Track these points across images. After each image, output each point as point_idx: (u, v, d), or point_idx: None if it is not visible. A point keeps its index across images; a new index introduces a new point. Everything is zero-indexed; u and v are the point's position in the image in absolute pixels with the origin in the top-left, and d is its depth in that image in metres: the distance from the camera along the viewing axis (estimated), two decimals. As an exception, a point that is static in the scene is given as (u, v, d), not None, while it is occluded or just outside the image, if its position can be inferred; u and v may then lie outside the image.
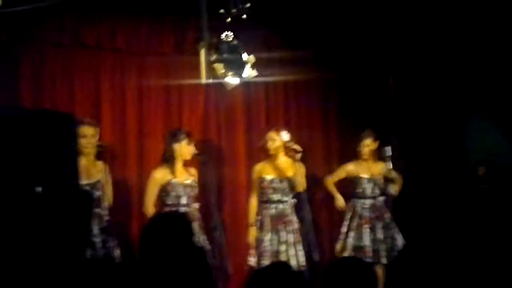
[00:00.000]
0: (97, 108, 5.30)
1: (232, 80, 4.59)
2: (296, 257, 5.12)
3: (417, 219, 5.84)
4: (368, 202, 5.43)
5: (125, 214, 5.28)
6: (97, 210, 4.64)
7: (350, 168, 5.53)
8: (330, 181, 5.56)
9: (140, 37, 5.43)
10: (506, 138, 5.80)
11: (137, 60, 5.48)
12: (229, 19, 4.28)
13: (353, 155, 5.55)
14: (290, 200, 5.23)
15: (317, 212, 5.93)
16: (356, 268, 2.38)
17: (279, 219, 5.17)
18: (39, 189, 3.22)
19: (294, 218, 5.20)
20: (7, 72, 4.97)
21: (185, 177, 4.94)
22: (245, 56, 4.51)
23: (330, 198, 5.92)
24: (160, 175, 4.90)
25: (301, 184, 5.12)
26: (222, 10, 4.40)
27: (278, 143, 5.20)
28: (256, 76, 4.66)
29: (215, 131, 5.77)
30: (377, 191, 5.46)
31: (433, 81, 6.11)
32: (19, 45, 5.02)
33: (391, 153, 5.28)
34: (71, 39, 5.17)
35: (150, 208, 4.89)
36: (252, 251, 5.17)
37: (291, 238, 5.15)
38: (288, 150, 5.19)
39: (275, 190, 5.20)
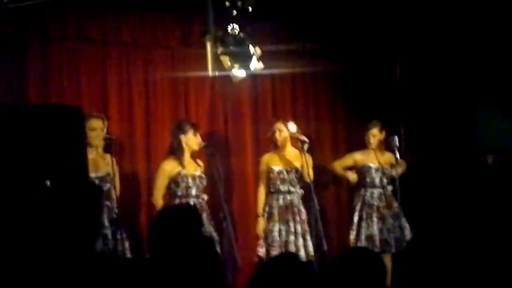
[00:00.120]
0: (104, 102, 5.32)
1: (238, 72, 4.59)
2: (304, 247, 5.14)
3: (426, 208, 5.84)
4: (376, 191, 5.43)
5: (134, 206, 5.31)
6: (107, 202, 4.66)
7: (357, 157, 5.52)
8: (337, 164, 5.55)
9: (146, 30, 5.43)
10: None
11: (143, 53, 5.49)
12: (235, 12, 4.27)
13: (361, 146, 5.54)
14: (298, 190, 5.24)
15: (325, 202, 5.94)
16: (365, 259, 2.38)
17: (287, 210, 5.19)
18: (48, 183, 3.25)
19: (302, 209, 5.22)
20: (13, 67, 4.99)
21: (194, 169, 4.97)
22: (251, 49, 4.50)
23: (337, 186, 5.92)
24: (169, 166, 4.92)
25: (309, 174, 5.12)
26: (228, 3, 4.39)
27: (285, 134, 5.21)
28: (263, 69, 4.66)
29: (222, 123, 5.77)
30: (386, 181, 5.46)
31: (441, 69, 6.09)
32: (25, 40, 5.03)
33: (398, 143, 5.25)
34: (76, 33, 5.18)
35: (159, 200, 4.92)
36: (261, 242, 5.18)
37: (299, 228, 5.16)
38: (295, 141, 5.19)
39: (283, 181, 5.21)
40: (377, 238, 5.33)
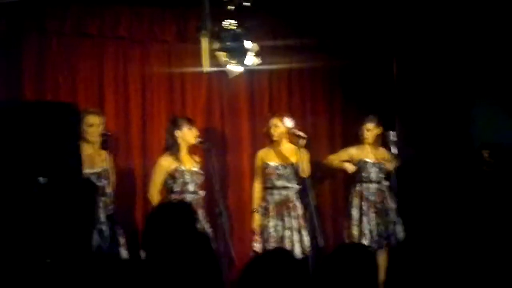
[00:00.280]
0: (100, 97, 5.31)
1: (235, 68, 4.58)
2: (300, 243, 5.14)
3: (422, 203, 5.85)
4: (373, 186, 5.43)
5: (130, 201, 5.31)
6: (103, 198, 4.66)
7: (353, 152, 5.52)
8: (333, 158, 5.55)
9: (143, 25, 5.41)
10: (511, 120, 5.79)
11: (140, 49, 5.47)
12: (231, 7, 4.26)
13: (357, 141, 5.54)
14: (294, 186, 5.24)
15: (321, 197, 5.94)
16: (358, 255, 2.38)
17: (283, 205, 5.19)
18: (43, 179, 3.25)
19: (298, 204, 5.22)
20: (8, 62, 4.97)
21: (191, 165, 4.96)
22: (248, 44, 4.49)
23: (333, 181, 5.92)
24: (166, 162, 4.91)
25: (305, 170, 5.12)
26: (224, -2, 4.38)
27: (281, 129, 5.21)
28: (259, 64, 4.65)
29: (219, 119, 5.77)
30: (382, 176, 5.47)
31: (438, 65, 6.09)
32: (21, 35, 5.01)
33: (395, 138, 5.25)
34: (73, 28, 5.16)
35: (155, 195, 4.91)
36: (257, 238, 5.18)
37: (295, 224, 5.17)
38: (291, 137, 5.19)
39: (279, 176, 5.21)
40: (375, 233, 5.34)
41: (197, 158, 5.07)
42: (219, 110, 5.77)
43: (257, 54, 4.60)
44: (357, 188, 5.46)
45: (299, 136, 5.08)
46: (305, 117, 6.01)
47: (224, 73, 4.79)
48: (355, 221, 5.37)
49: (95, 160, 4.71)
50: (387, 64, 6.23)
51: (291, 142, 5.24)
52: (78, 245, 3.47)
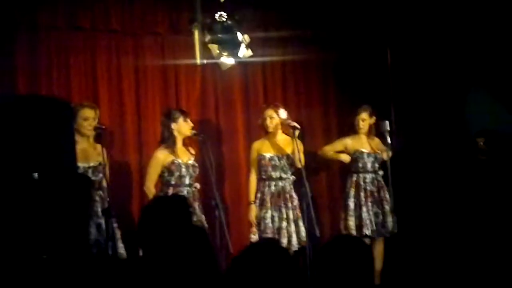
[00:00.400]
0: (94, 90, 5.28)
1: (227, 60, 4.56)
2: (297, 233, 5.16)
3: (418, 192, 5.86)
4: (369, 176, 5.44)
5: (125, 195, 5.30)
6: (99, 192, 4.66)
7: (348, 142, 5.52)
8: (328, 149, 5.54)
9: (135, 17, 5.38)
10: (506, 108, 5.78)
11: (133, 41, 5.45)
12: (222, -1, 4.23)
13: (352, 132, 5.54)
14: (289, 177, 5.24)
15: (317, 188, 5.95)
16: (352, 246, 2.38)
17: (279, 196, 5.19)
18: (36, 175, 3.24)
19: (294, 195, 5.22)
20: (2, 57, 4.94)
21: (187, 157, 4.96)
22: (240, 36, 4.47)
23: (329, 171, 5.92)
24: (162, 155, 4.90)
25: (300, 160, 5.12)
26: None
27: (276, 120, 5.20)
28: (251, 56, 4.63)
29: (213, 111, 5.76)
30: (377, 165, 5.47)
31: (432, 53, 6.07)
32: (13, 30, 4.98)
33: (389, 128, 5.25)
34: (65, 22, 5.13)
35: (151, 188, 4.91)
36: (254, 229, 5.19)
37: (291, 214, 5.18)
38: (286, 128, 5.18)
39: (275, 168, 5.21)
40: (374, 222, 5.35)
41: (192, 151, 5.06)
42: (214, 102, 5.75)
43: (249, 46, 4.58)
44: (354, 178, 5.45)
45: (293, 127, 5.07)
46: (299, 108, 6.00)
47: (218, 65, 4.77)
48: (351, 212, 5.38)
49: (91, 154, 4.70)
50: (381, 54, 6.22)
51: (286, 133, 5.24)
52: (74, 240, 3.47)
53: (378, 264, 5.39)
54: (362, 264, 2.39)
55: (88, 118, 4.67)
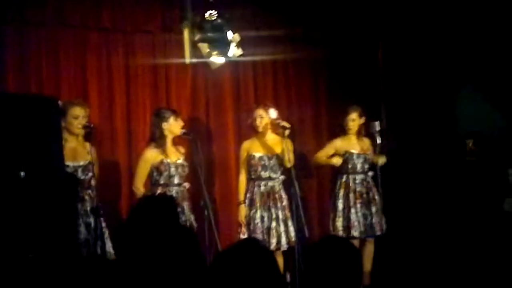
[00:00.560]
0: (84, 88, 5.25)
1: (217, 59, 4.55)
2: (286, 233, 5.15)
3: (407, 192, 5.87)
4: (359, 177, 5.44)
5: (114, 194, 5.28)
6: (89, 191, 4.64)
7: (338, 143, 5.52)
8: (320, 155, 5.54)
9: (126, 15, 5.36)
10: (495, 110, 5.80)
11: (123, 39, 5.42)
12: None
13: (342, 132, 5.54)
14: (279, 176, 5.24)
15: (306, 188, 5.95)
16: (339, 248, 2.38)
17: (269, 196, 5.19)
18: (23, 173, 3.21)
19: (283, 195, 5.22)
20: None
21: (176, 157, 4.94)
22: (229, 35, 4.45)
23: (319, 172, 5.92)
24: (151, 155, 4.88)
25: (290, 160, 5.12)
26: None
27: (266, 120, 5.19)
28: (241, 55, 4.62)
29: (204, 110, 5.74)
30: (367, 166, 5.47)
31: (423, 54, 6.08)
32: (3, 26, 4.94)
33: (379, 128, 5.26)
34: (55, 19, 5.09)
35: (140, 188, 4.89)
36: (243, 229, 5.18)
37: (281, 214, 5.17)
38: (276, 127, 5.18)
39: (265, 167, 5.20)
40: (362, 223, 5.35)
41: (182, 150, 5.04)
42: (204, 101, 5.74)
43: (239, 45, 4.56)
44: (343, 179, 5.45)
45: (283, 127, 5.07)
46: (290, 107, 6.00)
47: (208, 64, 4.75)
48: (339, 213, 5.38)
49: (80, 153, 4.67)
50: (372, 52, 6.22)
51: (276, 132, 5.23)
52: (61, 239, 3.45)
53: (368, 265, 5.40)
54: (349, 265, 2.38)
55: (78, 117, 4.64)
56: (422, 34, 5.97)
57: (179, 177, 4.90)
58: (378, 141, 5.26)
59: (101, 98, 5.31)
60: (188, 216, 4.87)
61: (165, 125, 4.89)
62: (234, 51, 4.52)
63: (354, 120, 5.45)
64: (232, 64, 5.43)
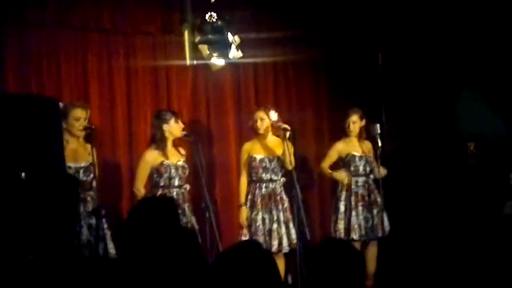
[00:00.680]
0: (84, 90, 5.26)
1: (217, 61, 4.55)
2: (287, 235, 5.15)
3: (408, 195, 5.86)
4: (361, 179, 5.43)
5: (116, 195, 5.28)
6: (90, 192, 4.63)
7: (340, 147, 5.50)
8: (325, 166, 5.50)
9: (127, 17, 5.36)
10: (496, 113, 5.80)
11: (124, 41, 5.42)
12: (213, 0, 4.22)
13: (343, 134, 5.53)
14: (280, 178, 5.23)
15: (308, 190, 5.94)
16: (340, 250, 2.37)
17: (270, 198, 5.18)
18: (24, 174, 3.21)
19: (284, 197, 5.22)
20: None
21: (177, 158, 4.93)
22: (230, 37, 4.45)
23: (320, 173, 5.90)
24: (152, 156, 4.88)
25: (291, 162, 5.11)
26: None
27: (267, 122, 5.19)
28: (242, 57, 4.62)
29: (204, 111, 5.74)
30: (369, 169, 5.46)
31: (423, 56, 6.08)
32: (3, 27, 4.94)
33: (379, 131, 5.26)
34: (56, 20, 5.10)
35: (141, 189, 4.90)
36: (244, 231, 5.17)
37: (282, 216, 5.17)
38: (276, 130, 5.17)
39: (265, 169, 5.19)
40: (363, 226, 5.34)
41: (182, 151, 5.04)
42: (205, 102, 5.74)
43: (240, 47, 4.56)
44: (345, 182, 5.44)
45: (284, 129, 5.06)
46: (291, 109, 6.00)
47: (208, 66, 4.75)
48: (341, 215, 5.37)
49: (81, 154, 4.68)
50: (373, 54, 6.22)
51: (277, 135, 5.22)
52: (62, 241, 3.44)
53: (372, 266, 5.39)
54: (351, 268, 2.38)
55: (80, 118, 4.65)
56: (422, 36, 5.97)
57: (179, 179, 4.89)
58: (379, 143, 5.25)
59: (101, 99, 5.32)
60: (189, 218, 4.87)
61: (165, 127, 4.88)
62: (235, 53, 4.52)
63: (355, 122, 5.45)
64: (233, 66, 5.42)
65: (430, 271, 5.34)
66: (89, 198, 4.63)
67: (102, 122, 5.25)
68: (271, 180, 5.20)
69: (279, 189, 5.22)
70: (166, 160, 4.86)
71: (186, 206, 4.88)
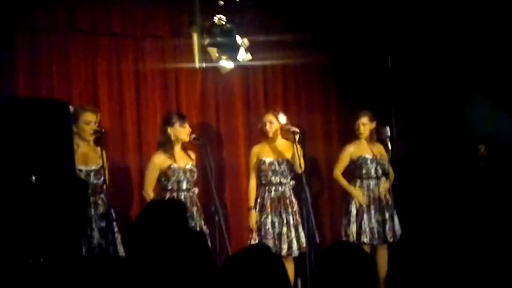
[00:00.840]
0: (94, 93, 5.27)
1: (226, 64, 4.54)
2: (297, 239, 5.12)
3: (418, 198, 5.83)
4: (372, 182, 5.40)
5: (126, 198, 5.28)
6: (101, 195, 4.64)
7: (351, 150, 5.47)
8: (338, 174, 5.44)
9: (136, 20, 5.37)
10: (507, 115, 5.77)
11: (133, 44, 5.43)
12: (222, 2, 4.22)
13: (353, 137, 5.50)
14: (289, 182, 5.21)
15: (317, 193, 5.92)
16: (350, 254, 2.36)
17: (279, 202, 5.16)
18: (34, 178, 3.22)
19: (294, 200, 5.19)
20: (1, 58, 4.93)
21: (185, 162, 4.93)
22: (239, 40, 4.45)
23: (330, 176, 5.88)
24: (159, 160, 4.88)
25: (301, 165, 5.09)
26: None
27: (276, 125, 5.18)
28: (250, 60, 4.62)
29: (214, 114, 5.74)
30: (380, 171, 5.42)
31: (433, 59, 6.06)
32: (13, 32, 4.97)
33: (390, 133, 5.23)
34: (66, 24, 5.12)
35: (150, 193, 4.90)
36: (254, 235, 5.15)
37: (291, 220, 5.15)
38: (285, 132, 5.16)
39: (275, 173, 5.18)
40: (376, 230, 5.31)
41: (192, 155, 5.03)
42: (214, 106, 5.74)
43: (249, 50, 4.56)
44: (357, 184, 5.41)
45: (293, 132, 5.05)
46: (300, 112, 5.99)
47: (217, 69, 4.75)
48: (353, 218, 5.34)
49: (92, 157, 4.69)
50: (382, 57, 6.20)
51: (286, 138, 5.21)
52: (72, 244, 3.45)
53: (382, 271, 5.36)
54: (361, 271, 2.36)
55: (90, 122, 4.67)
56: (432, 38, 5.95)
57: (187, 182, 4.89)
58: (389, 146, 5.23)
59: (111, 103, 5.33)
60: (197, 221, 4.86)
61: (170, 130, 4.89)
62: (244, 56, 4.51)
63: (365, 124, 5.42)
64: (242, 68, 5.42)
65: (441, 275, 5.30)
66: (100, 201, 4.64)
67: (112, 125, 5.26)
68: (280, 183, 5.18)
69: (288, 192, 5.20)
70: (174, 163, 4.86)
71: (194, 209, 4.88)
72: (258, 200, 5.20)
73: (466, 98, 6.02)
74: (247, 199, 5.30)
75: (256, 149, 5.27)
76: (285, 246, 5.09)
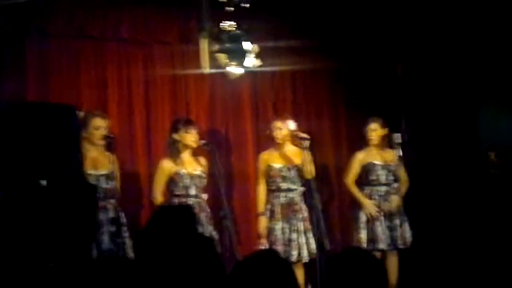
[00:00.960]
0: (103, 99, 5.29)
1: (235, 70, 4.55)
2: (307, 245, 5.10)
3: (429, 205, 5.81)
4: (383, 189, 5.36)
5: (135, 203, 5.29)
6: (112, 200, 4.65)
7: (361, 156, 5.42)
8: (350, 182, 5.39)
9: (145, 27, 5.40)
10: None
11: (143, 50, 5.46)
12: (231, 8, 4.23)
13: (364, 144, 5.48)
14: (299, 188, 5.20)
15: (327, 199, 5.90)
16: (360, 260, 2.34)
17: (289, 208, 5.14)
18: (44, 182, 3.23)
19: (303, 206, 5.18)
20: (13, 64, 4.96)
21: (193, 168, 4.92)
22: (248, 46, 4.45)
23: (339, 183, 5.86)
24: (167, 165, 4.89)
25: (310, 171, 5.08)
26: (224, -1, 4.35)
27: (285, 132, 5.17)
28: (260, 66, 4.62)
29: (222, 120, 5.75)
30: (391, 178, 5.39)
31: (444, 66, 6.04)
32: (24, 37, 5.00)
33: (400, 140, 5.21)
34: (75, 31, 5.15)
35: (158, 198, 4.90)
36: (263, 241, 5.14)
37: (301, 226, 5.13)
38: (295, 139, 5.15)
39: (284, 179, 5.16)
40: (389, 236, 5.27)
41: (203, 161, 5.02)
42: (223, 111, 5.74)
43: (258, 56, 4.56)
44: (366, 191, 5.37)
45: (302, 138, 5.03)
46: (309, 119, 5.98)
47: (226, 75, 4.76)
48: (363, 224, 5.30)
49: (102, 162, 4.69)
50: (392, 65, 6.19)
51: (295, 144, 5.20)
52: (81, 248, 3.45)
53: (393, 277, 5.32)
54: (372, 278, 2.34)
55: (99, 128, 4.68)
56: (442, 44, 5.93)
57: (195, 188, 4.88)
58: (399, 153, 5.21)
59: (120, 108, 5.34)
60: (206, 227, 4.85)
61: (175, 136, 4.89)
62: (253, 62, 4.51)
63: (375, 130, 5.38)
64: (251, 74, 5.42)
65: (452, 281, 5.27)
66: (109, 206, 4.64)
67: (121, 131, 5.27)
68: (289, 190, 5.17)
69: (298, 198, 5.18)
70: (181, 169, 4.86)
71: (203, 215, 4.87)
72: (268, 206, 5.18)
73: (477, 105, 6.00)
74: (256, 204, 5.29)
75: (264, 155, 5.26)
76: (294, 252, 5.07)
